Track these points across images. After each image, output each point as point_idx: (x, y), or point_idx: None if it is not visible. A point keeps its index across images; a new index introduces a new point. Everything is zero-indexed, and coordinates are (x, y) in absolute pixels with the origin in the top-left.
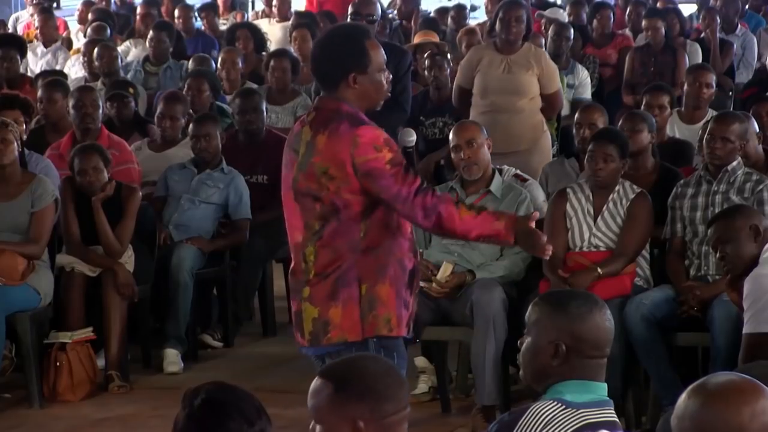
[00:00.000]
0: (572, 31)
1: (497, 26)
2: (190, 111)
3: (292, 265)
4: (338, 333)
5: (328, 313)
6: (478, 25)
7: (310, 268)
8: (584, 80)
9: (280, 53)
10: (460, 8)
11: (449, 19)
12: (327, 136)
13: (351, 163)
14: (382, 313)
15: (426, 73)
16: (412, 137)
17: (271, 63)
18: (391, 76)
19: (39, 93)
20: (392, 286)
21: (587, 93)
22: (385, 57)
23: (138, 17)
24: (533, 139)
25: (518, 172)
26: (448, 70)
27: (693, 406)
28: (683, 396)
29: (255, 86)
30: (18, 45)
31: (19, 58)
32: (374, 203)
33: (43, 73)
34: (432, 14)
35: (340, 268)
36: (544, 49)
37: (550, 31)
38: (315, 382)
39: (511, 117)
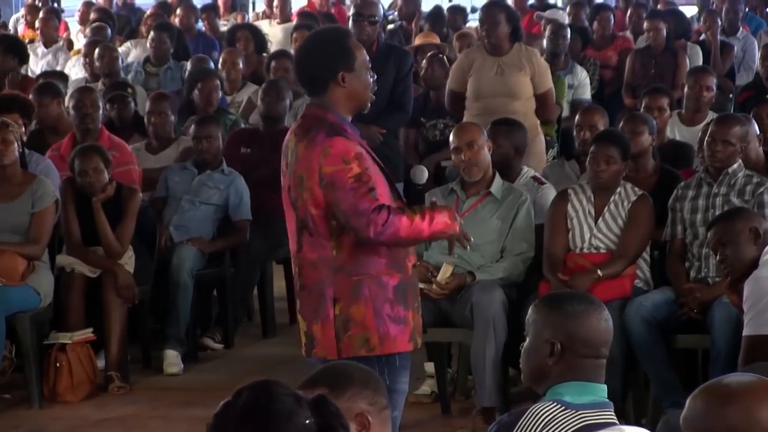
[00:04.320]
0: (569, 30)
1: (479, 29)
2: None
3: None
4: (321, 349)
5: (312, 329)
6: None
7: (297, 279)
8: (583, 80)
9: (282, 54)
10: (456, 10)
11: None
12: (305, 145)
13: (318, 172)
14: (357, 333)
15: (422, 73)
16: (424, 175)
17: (273, 63)
18: (376, 76)
19: (31, 98)
20: (368, 306)
21: (587, 93)
22: (367, 57)
23: (147, 18)
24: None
25: (536, 174)
26: (443, 72)
27: (710, 405)
28: (697, 396)
29: (256, 87)
30: (9, 45)
31: (11, 56)
32: (341, 223)
33: (44, 74)
34: (428, 14)
35: (320, 285)
36: (544, 50)
37: (547, 31)
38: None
39: None
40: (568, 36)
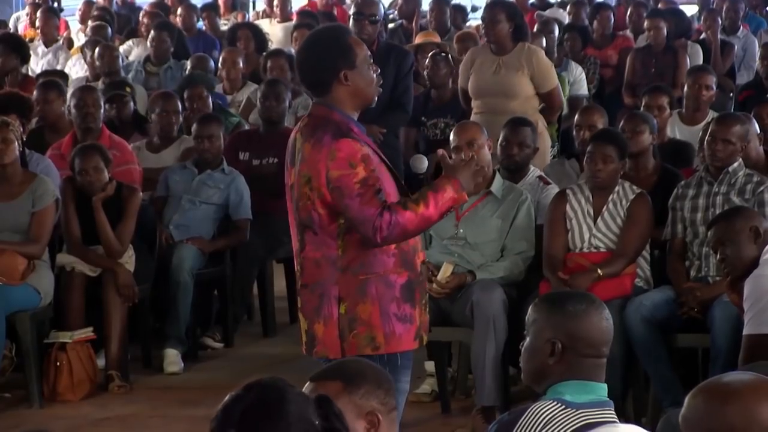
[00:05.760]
0: (557, 26)
1: (481, 28)
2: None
3: None
4: (321, 349)
5: (314, 328)
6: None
7: (299, 278)
8: (578, 76)
9: (277, 53)
10: (456, 9)
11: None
12: (312, 145)
13: (326, 175)
14: (363, 332)
15: (426, 71)
16: (424, 165)
17: (269, 63)
18: (379, 70)
19: (35, 94)
20: (375, 305)
21: (583, 89)
22: (369, 53)
23: (146, 17)
24: None
25: (542, 174)
26: (448, 70)
27: (709, 404)
28: (697, 395)
29: (256, 86)
30: (13, 44)
31: (14, 55)
32: (348, 223)
33: (44, 73)
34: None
35: (323, 284)
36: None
37: (534, 28)
38: (311, 388)
39: (504, 118)
40: (556, 31)
